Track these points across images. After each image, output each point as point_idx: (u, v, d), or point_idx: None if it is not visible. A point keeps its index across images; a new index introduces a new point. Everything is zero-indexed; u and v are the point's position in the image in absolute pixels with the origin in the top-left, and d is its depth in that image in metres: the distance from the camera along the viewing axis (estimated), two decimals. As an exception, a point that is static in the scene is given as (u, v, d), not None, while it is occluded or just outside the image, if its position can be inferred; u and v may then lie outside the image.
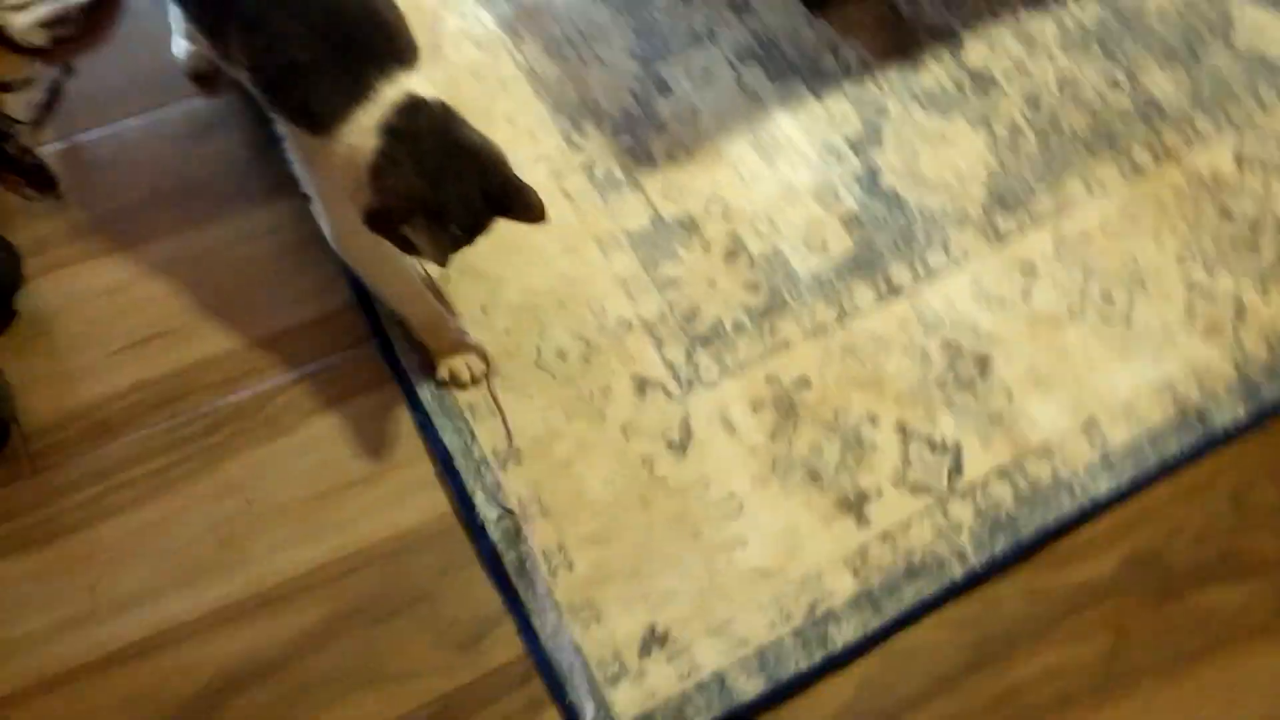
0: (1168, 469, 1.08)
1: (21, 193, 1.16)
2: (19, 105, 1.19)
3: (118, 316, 1.10)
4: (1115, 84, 1.28)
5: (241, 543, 1.01)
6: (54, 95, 1.21)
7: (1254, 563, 1.05)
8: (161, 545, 1.00)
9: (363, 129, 0.92)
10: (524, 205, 0.95)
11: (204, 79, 1.21)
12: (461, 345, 1.08)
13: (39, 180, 1.16)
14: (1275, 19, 1.33)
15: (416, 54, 0.96)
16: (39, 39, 1.23)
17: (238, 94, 1.21)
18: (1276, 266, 1.18)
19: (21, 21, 1.22)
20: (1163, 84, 1.28)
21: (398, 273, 1.05)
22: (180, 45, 1.21)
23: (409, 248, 0.94)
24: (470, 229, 0.95)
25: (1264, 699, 0.99)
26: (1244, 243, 1.20)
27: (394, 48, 0.95)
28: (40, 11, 1.22)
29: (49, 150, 1.18)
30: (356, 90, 0.92)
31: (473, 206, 0.94)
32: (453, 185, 0.93)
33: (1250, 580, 1.04)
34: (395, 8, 0.97)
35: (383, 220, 0.92)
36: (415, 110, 0.93)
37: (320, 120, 0.93)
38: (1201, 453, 1.09)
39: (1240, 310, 1.16)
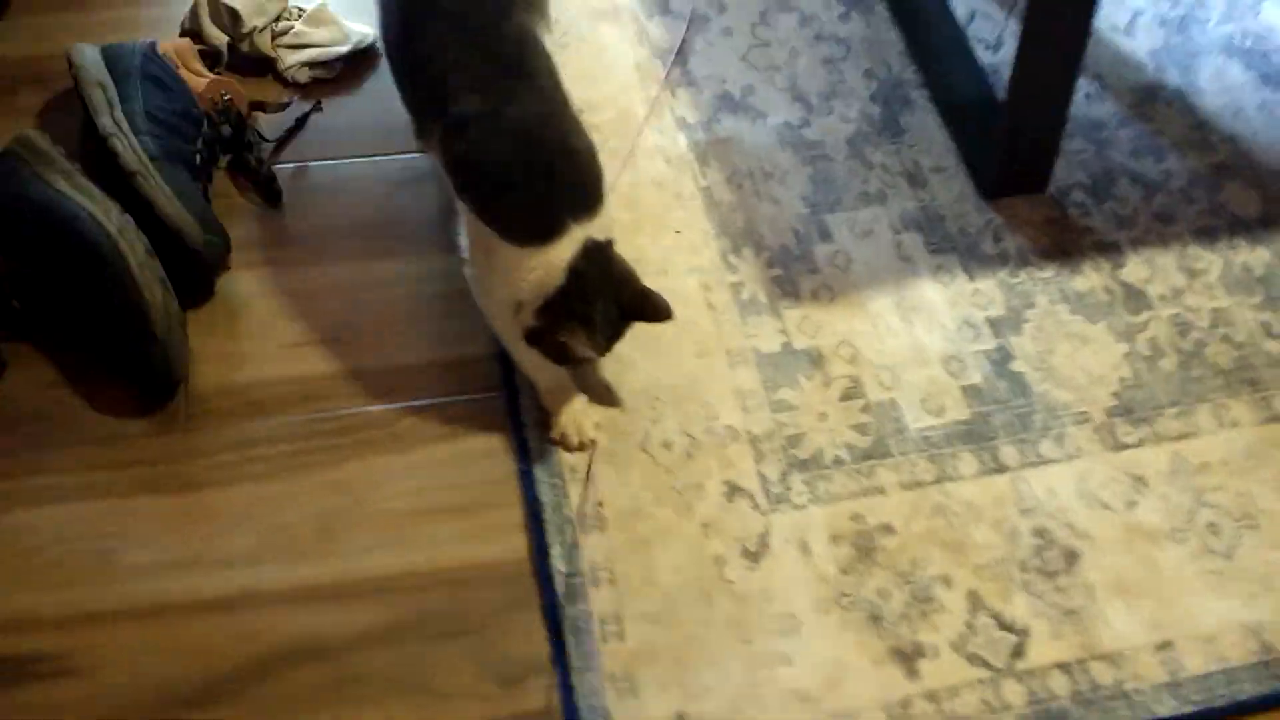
0: (1237, 710, 1.06)
1: (249, 197, 1.34)
2: (269, 126, 1.38)
3: (294, 317, 1.24)
4: (1269, 332, 1.29)
5: (338, 535, 1.10)
6: (300, 124, 1.39)
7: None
8: (272, 519, 1.11)
9: (553, 264, 1.05)
10: (653, 309, 1.11)
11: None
12: (580, 406, 1.16)
13: (267, 191, 1.33)
14: None
15: (602, 203, 1.10)
16: (302, 76, 1.42)
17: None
18: (1402, 542, 1.15)
19: (292, 59, 1.42)
20: (1322, 339, 1.29)
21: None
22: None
23: (559, 358, 1.09)
24: (610, 337, 1.11)
25: None
26: (1372, 509, 1.17)
27: (590, 197, 1.09)
28: (309, 54, 1.42)
29: (281, 168, 1.36)
30: (553, 228, 1.05)
31: (612, 317, 1.10)
32: (599, 303, 1.08)
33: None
34: (594, 154, 1.12)
35: (540, 337, 1.08)
36: (593, 253, 1.07)
37: (519, 236, 1.06)
38: (1276, 705, 1.06)
39: (1353, 573, 1.13)
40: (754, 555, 1.12)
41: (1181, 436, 1.21)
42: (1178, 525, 1.16)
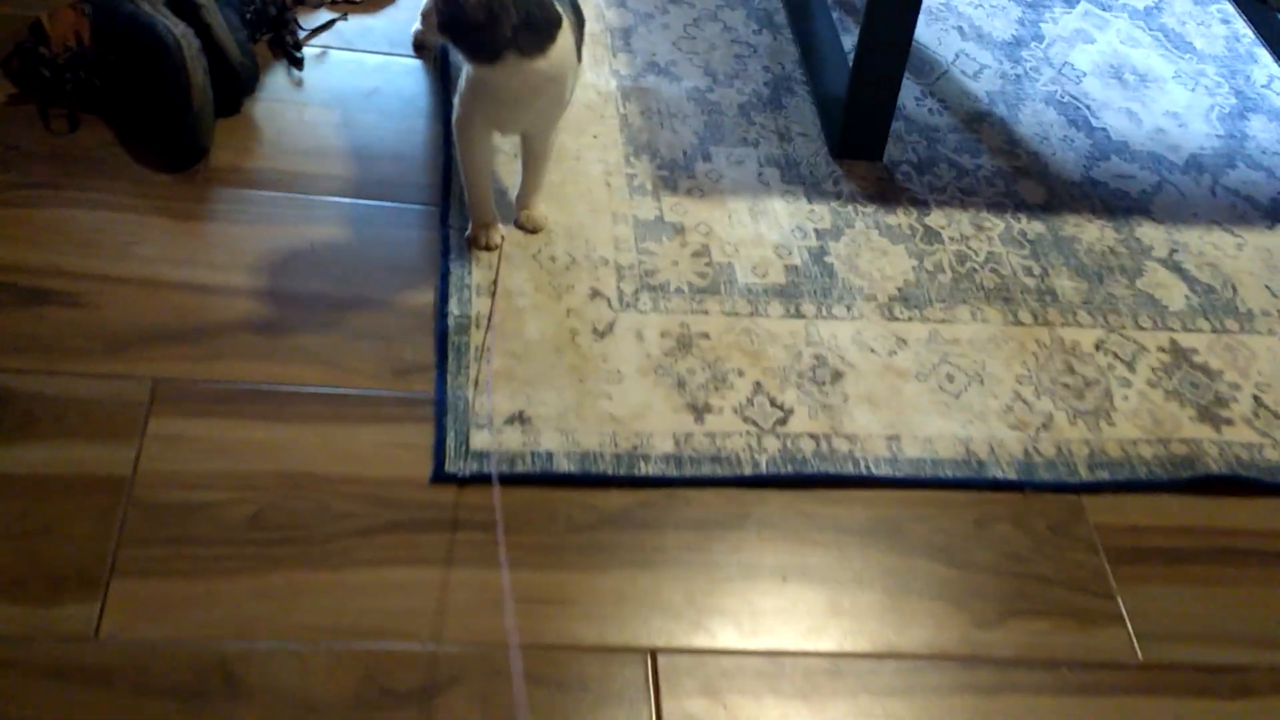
0: (937, 484, 1.40)
1: (280, 63, 1.76)
2: (304, 19, 1.82)
3: (297, 137, 1.65)
4: (1029, 271, 1.68)
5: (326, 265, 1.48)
6: (328, 25, 1.84)
7: (971, 562, 1.33)
8: (242, 246, 1.49)
9: None
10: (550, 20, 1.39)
11: (419, 48, 1.82)
12: (492, 222, 1.55)
13: (294, 60, 1.76)
14: (1178, 282, 1.71)
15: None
16: (338, -4, 1.89)
17: (434, 65, 1.80)
18: (1089, 414, 1.50)
19: (333, -18, 1.88)
20: (1065, 284, 1.67)
21: (474, 156, 1.54)
22: (416, 27, 1.83)
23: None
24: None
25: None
26: (1073, 390, 1.53)
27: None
28: (345, -21, 1.89)
29: (307, 50, 1.79)
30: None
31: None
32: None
33: (964, 569, 1.32)
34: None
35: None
36: None
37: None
38: (966, 486, 1.40)
39: (1048, 423, 1.49)
40: (600, 334, 1.49)
41: (942, 321, 1.60)
42: (923, 371, 1.52)
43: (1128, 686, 1.25)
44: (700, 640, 1.22)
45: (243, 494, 1.24)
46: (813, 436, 1.43)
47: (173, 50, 1.53)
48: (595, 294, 1.54)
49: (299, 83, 1.74)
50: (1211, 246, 1.78)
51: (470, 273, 1.53)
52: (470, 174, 1.55)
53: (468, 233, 1.56)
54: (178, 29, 1.55)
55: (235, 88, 1.63)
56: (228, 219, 1.52)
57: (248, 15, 1.70)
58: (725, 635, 1.23)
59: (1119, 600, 1.32)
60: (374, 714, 1.10)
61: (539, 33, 1.37)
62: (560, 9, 1.42)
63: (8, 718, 1.05)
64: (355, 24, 1.86)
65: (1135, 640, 1.29)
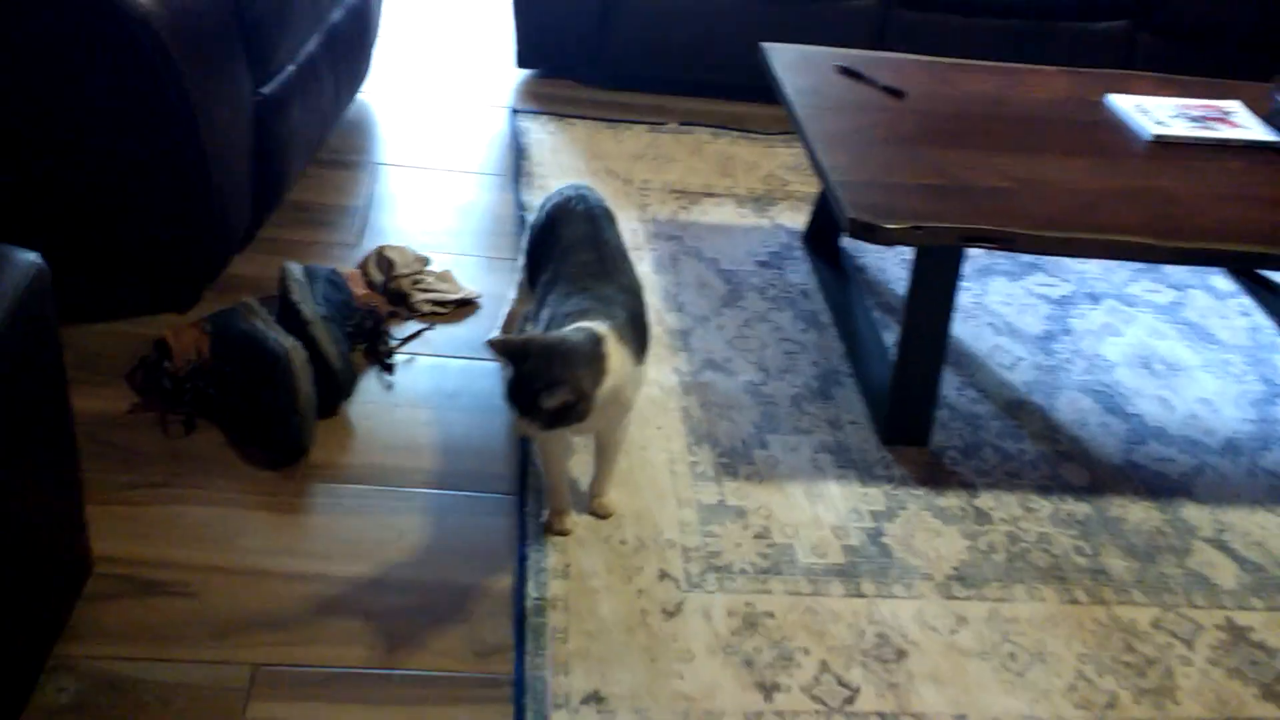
0: (1007, 763, 1.41)
1: (374, 370, 1.94)
2: (395, 331, 2.02)
3: (391, 433, 1.80)
4: (1080, 551, 1.75)
5: (388, 548, 1.58)
6: (416, 335, 2.03)
7: None
8: (339, 535, 1.60)
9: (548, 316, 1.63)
10: (567, 408, 1.47)
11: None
12: (567, 509, 1.66)
13: (385, 368, 1.94)
14: (1227, 561, 1.76)
15: (634, 346, 1.57)
16: (424, 308, 2.08)
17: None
18: (1153, 692, 1.52)
19: (420, 297, 2.09)
20: (1117, 564, 1.73)
21: (553, 453, 1.65)
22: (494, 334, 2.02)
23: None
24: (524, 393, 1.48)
25: None
26: (1135, 669, 1.56)
27: (619, 318, 1.58)
28: (432, 295, 2.09)
29: (398, 356, 1.98)
30: (577, 312, 1.58)
31: (539, 378, 1.46)
32: (545, 359, 1.47)
33: None
34: (643, 319, 1.64)
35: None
36: (587, 336, 1.53)
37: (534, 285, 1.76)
38: (1039, 766, 1.41)
39: (1113, 702, 1.51)
40: (670, 614, 1.56)
41: (1000, 600, 1.65)
42: (986, 650, 1.57)
43: None
44: None
45: (332, 776, 1.29)
46: (880, 716, 1.46)
47: (282, 360, 1.71)
48: (663, 575, 1.62)
49: (390, 386, 1.91)
50: (1257, 526, 1.84)
51: (547, 556, 1.62)
52: (549, 468, 1.67)
53: (543, 518, 1.67)
54: (287, 342, 1.74)
55: (334, 393, 1.80)
56: (324, 511, 1.64)
57: (348, 329, 1.89)
58: None
59: None
60: None
61: (596, 374, 1.49)
62: (607, 321, 1.54)
63: None
64: (441, 333, 2.06)
65: None
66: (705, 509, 1.75)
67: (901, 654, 1.55)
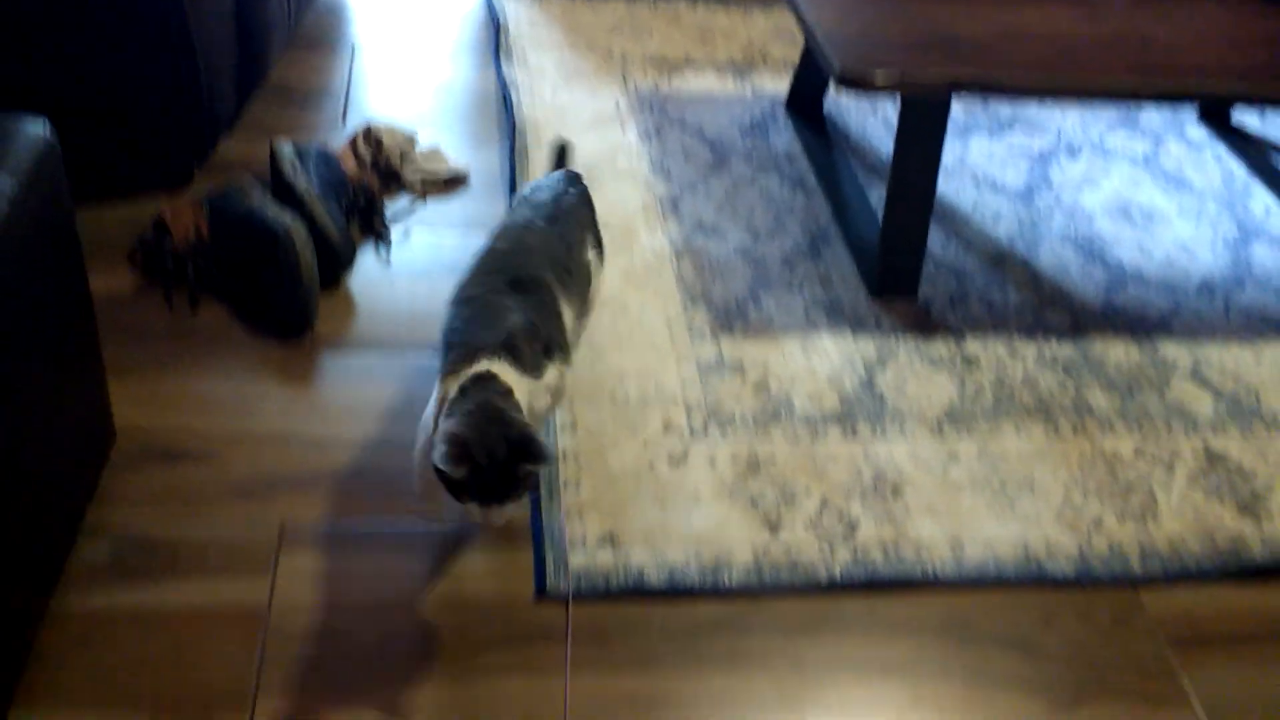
0: (999, 583, 1.49)
1: (370, 243, 1.97)
2: (389, 203, 2.04)
3: (393, 304, 1.83)
4: (1064, 389, 1.82)
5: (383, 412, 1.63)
6: (410, 209, 2.05)
7: (1042, 652, 1.42)
8: (345, 402, 1.64)
9: (449, 385, 1.31)
10: (537, 453, 1.23)
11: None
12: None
13: (381, 240, 1.96)
14: (1204, 393, 1.83)
15: (532, 367, 1.35)
16: (415, 183, 2.10)
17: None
18: (1136, 514, 1.61)
19: (411, 174, 2.10)
20: (1099, 399, 1.80)
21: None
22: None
23: (457, 492, 1.24)
24: (500, 477, 1.23)
25: None
26: (1118, 494, 1.64)
27: (515, 349, 1.34)
28: (421, 173, 2.10)
29: (393, 230, 2.00)
30: (467, 358, 1.32)
31: (500, 454, 1.22)
32: (489, 436, 1.22)
33: (1036, 659, 1.40)
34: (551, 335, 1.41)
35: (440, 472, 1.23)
36: (486, 379, 1.29)
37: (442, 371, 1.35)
38: (1030, 584, 1.50)
39: (1098, 524, 1.59)
40: (676, 462, 1.62)
41: (990, 437, 1.72)
42: (977, 483, 1.64)
43: (1203, 760, 1.32)
44: (795, 734, 1.31)
45: (368, 619, 1.36)
46: (880, 544, 1.54)
47: (283, 238, 1.73)
48: (668, 427, 1.68)
49: (387, 261, 1.93)
50: (1232, 360, 1.92)
51: (554, 415, 1.68)
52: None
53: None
54: (287, 219, 1.76)
55: (335, 266, 1.82)
56: (334, 379, 1.68)
57: (343, 204, 1.91)
58: (819, 728, 1.32)
59: (1184, 683, 1.40)
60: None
61: (517, 412, 1.29)
62: (488, 351, 1.33)
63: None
64: (434, 208, 2.07)
65: (1206, 717, 1.36)
66: (704, 365, 1.80)
67: (897, 490, 1.62)
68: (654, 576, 1.46)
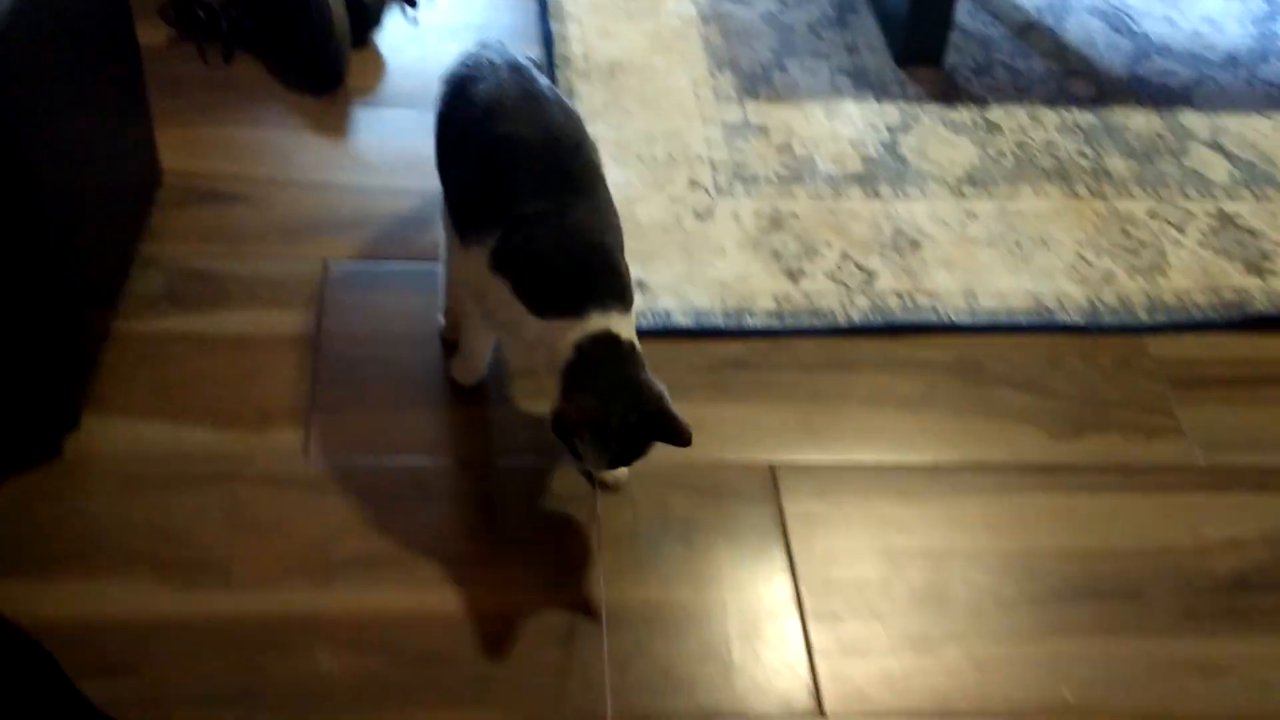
0: (1012, 329, 1.57)
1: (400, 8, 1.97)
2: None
3: (423, 60, 1.85)
4: (1084, 155, 1.85)
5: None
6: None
7: (1047, 390, 1.50)
8: (370, 147, 1.69)
9: (567, 339, 1.18)
10: (674, 432, 1.17)
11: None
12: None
13: (409, 2, 1.96)
14: (1221, 160, 1.86)
15: (630, 301, 1.24)
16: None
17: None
18: (1145, 270, 1.66)
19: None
20: (1118, 164, 1.83)
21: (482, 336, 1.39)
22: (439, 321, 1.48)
23: (575, 454, 1.20)
24: (629, 449, 1.19)
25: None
26: (1130, 251, 1.69)
27: (617, 290, 1.23)
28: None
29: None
30: (576, 308, 1.20)
31: (633, 431, 1.17)
32: (620, 410, 1.16)
33: (1041, 396, 1.48)
34: (623, 259, 1.27)
35: (561, 428, 1.18)
36: (607, 343, 1.19)
37: (541, 310, 1.21)
38: (1038, 331, 1.57)
39: (1109, 277, 1.65)
40: (702, 216, 1.67)
41: (1007, 198, 1.76)
42: (993, 239, 1.69)
43: (1192, 485, 1.41)
44: (813, 455, 1.40)
45: (410, 348, 1.44)
46: (897, 294, 1.60)
47: (314, -10, 1.74)
48: (694, 185, 1.72)
49: (415, 19, 1.94)
50: (1251, 130, 1.93)
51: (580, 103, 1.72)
52: (471, 329, 1.42)
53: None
54: (317, -28, 1.76)
55: (365, 22, 1.83)
56: (367, 131, 1.72)
57: (371, -28, 1.91)
58: (834, 451, 1.41)
59: (1180, 418, 1.48)
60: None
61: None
62: (614, 304, 1.22)
63: (239, 517, 1.25)
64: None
65: (1198, 449, 1.45)
66: (729, 127, 1.83)
67: (916, 245, 1.68)
68: (681, 319, 1.53)
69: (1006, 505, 1.38)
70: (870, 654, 1.23)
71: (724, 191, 1.72)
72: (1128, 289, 1.64)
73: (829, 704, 1.18)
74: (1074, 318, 1.59)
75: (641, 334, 1.33)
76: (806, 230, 1.68)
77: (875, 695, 1.20)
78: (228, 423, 1.33)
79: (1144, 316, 1.60)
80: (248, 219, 1.56)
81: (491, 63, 1.34)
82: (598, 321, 1.19)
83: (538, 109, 1.30)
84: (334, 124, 1.72)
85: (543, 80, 1.35)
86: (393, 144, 1.70)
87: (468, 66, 1.36)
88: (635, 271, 1.55)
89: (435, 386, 1.40)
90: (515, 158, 1.26)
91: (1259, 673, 1.24)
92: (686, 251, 1.62)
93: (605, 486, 1.33)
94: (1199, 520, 1.37)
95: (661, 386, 1.19)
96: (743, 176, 1.75)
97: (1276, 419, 1.49)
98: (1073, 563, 1.33)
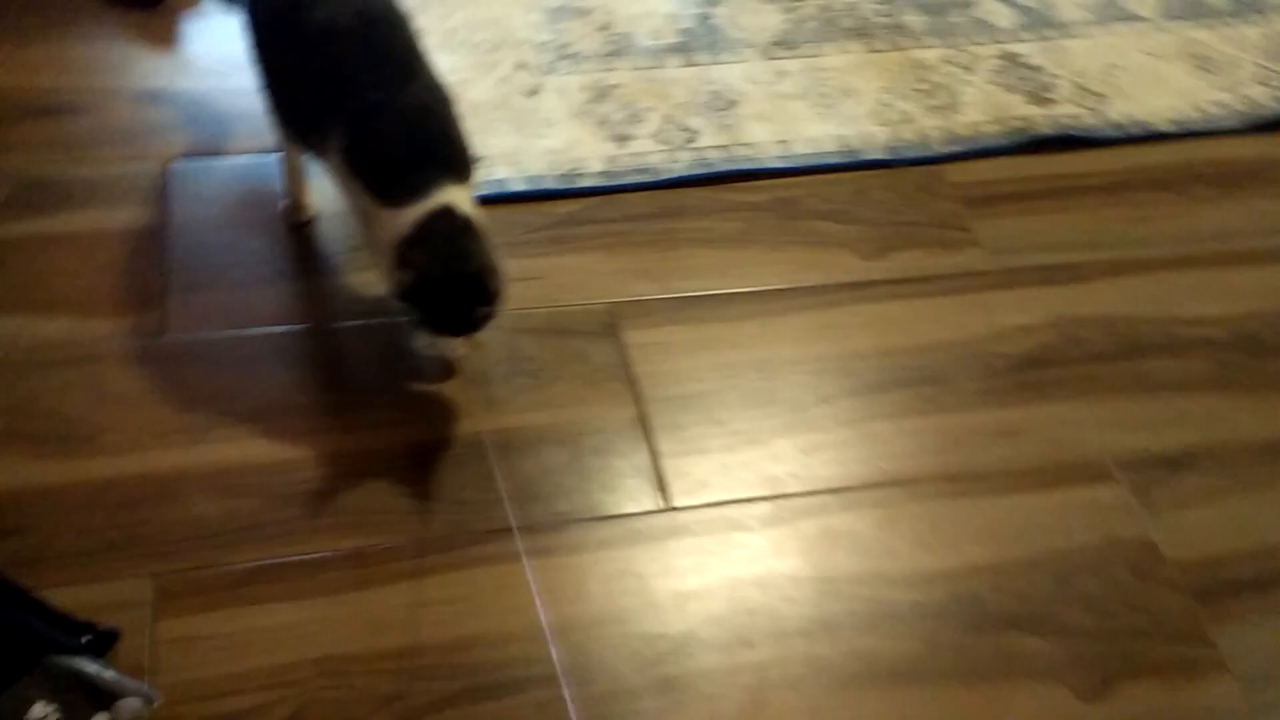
0: (822, 169, 1.71)
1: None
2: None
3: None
4: (880, 14, 1.99)
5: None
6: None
7: (856, 218, 1.64)
8: (221, 64, 1.74)
9: (408, 218, 1.23)
10: (490, 293, 1.24)
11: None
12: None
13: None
14: (1005, 8, 2.02)
15: (467, 174, 1.29)
16: None
17: None
18: (940, 108, 1.82)
19: None
20: (912, 19, 1.98)
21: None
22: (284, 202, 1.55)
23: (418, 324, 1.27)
24: (461, 313, 1.25)
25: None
26: (926, 93, 1.85)
27: (456, 165, 1.28)
28: None
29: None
30: (421, 191, 1.24)
31: (459, 290, 1.23)
32: (444, 270, 1.22)
33: (850, 224, 1.63)
34: (460, 132, 1.31)
35: (398, 292, 1.24)
36: (444, 216, 1.23)
37: (387, 199, 1.25)
38: (846, 169, 1.72)
39: (908, 118, 1.80)
40: (530, 93, 1.77)
41: (814, 55, 1.90)
42: (802, 93, 1.83)
43: (986, 285, 1.58)
44: (648, 293, 1.52)
45: (258, 232, 1.51)
46: (717, 147, 1.72)
47: (124, -95, 1.76)
48: (520, 66, 1.81)
49: None
50: (1033, -20, 2.11)
51: (412, 60, 1.79)
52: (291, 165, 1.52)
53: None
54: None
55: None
56: (197, 41, 1.76)
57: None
58: (667, 287, 1.53)
59: (974, 231, 1.64)
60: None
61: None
62: (451, 178, 1.27)
63: (105, 391, 1.31)
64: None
65: (990, 255, 1.61)
66: (550, 11, 1.92)
67: (732, 103, 1.80)
68: (517, 185, 1.63)
69: (824, 318, 1.52)
70: (709, 452, 1.36)
71: (549, 70, 1.81)
72: (925, 126, 1.79)
73: (676, 498, 1.31)
74: (877, 154, 1.74)
75: (480, 202, 1.43)
76: (630, 99, 1.78)
77: (716, 484, 1.33)
78: (86, 311, 1.38)
79: (940, 148, 1.76)
80: (85, 128, 1.60)
81: None
82: (436, 199, 1.24)
83: None
84: (162, 35, 1.76)
85: None
86: (220, 50, 1.75)
87: None
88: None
89: (283, 263, 1.48)
90: (339, 48, 1.28)
91: (1049, 431, 1.42)
92: (518, 126, 1.72)
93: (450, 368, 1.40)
94: (993, 313, 1.54)
95: (494, 257, 1.24)
96: (566, 55, 1.84)
97: (1056, 224, 1.67)
98: (884, 359, 1.48)
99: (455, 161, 1.29)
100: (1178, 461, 1.40)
